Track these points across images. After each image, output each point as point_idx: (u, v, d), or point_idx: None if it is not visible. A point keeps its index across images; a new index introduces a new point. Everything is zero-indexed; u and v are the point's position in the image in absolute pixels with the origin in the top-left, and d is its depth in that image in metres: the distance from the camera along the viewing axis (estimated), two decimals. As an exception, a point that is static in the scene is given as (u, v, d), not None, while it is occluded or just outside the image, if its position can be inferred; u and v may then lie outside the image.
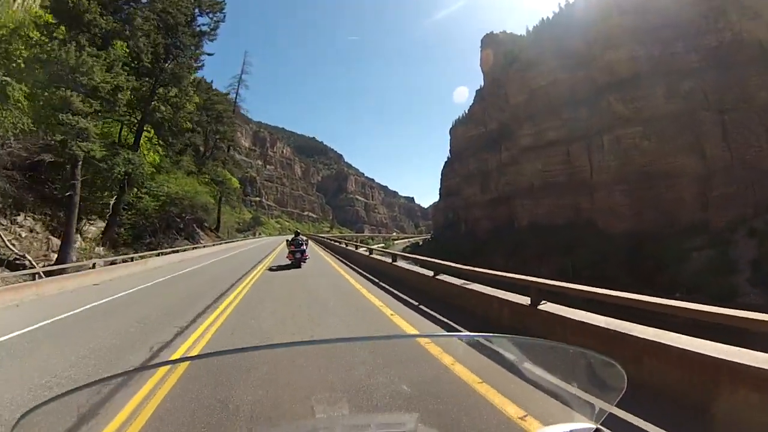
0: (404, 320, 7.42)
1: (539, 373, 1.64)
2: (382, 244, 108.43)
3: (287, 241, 20.29)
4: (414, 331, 6.67)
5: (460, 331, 6.60)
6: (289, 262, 18.73)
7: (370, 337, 3.79)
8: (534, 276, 6.66)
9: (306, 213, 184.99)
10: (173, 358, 5.48)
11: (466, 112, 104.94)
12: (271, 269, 18.09)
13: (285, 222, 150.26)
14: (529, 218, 58.93)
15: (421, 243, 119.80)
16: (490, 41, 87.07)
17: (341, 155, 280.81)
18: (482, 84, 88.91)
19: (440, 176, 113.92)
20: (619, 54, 50.55)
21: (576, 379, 1.42)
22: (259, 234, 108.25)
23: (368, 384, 1.94)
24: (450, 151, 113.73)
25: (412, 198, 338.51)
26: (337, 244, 33.64)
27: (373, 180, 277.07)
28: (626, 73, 49.15)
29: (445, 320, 7.39)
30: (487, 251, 57.15)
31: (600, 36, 52.72)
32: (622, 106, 48.96)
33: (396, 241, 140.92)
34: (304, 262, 18.66)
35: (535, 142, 60.75)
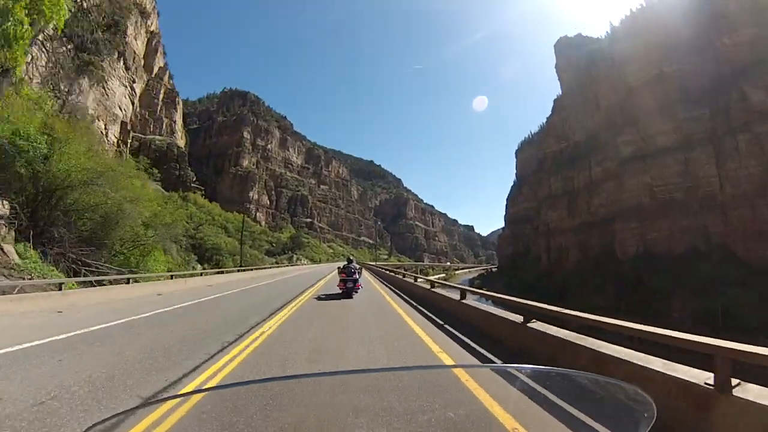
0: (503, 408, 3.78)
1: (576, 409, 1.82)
2: (443, 275, 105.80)
3: (338, 268, 20.00)
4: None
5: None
6: (340, 291, 18.54)
7: (406, 367, 3.05)
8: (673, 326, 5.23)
9: (362, 238, 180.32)
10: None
11: (532, 133, 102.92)
12: (319, 298, 17.83)
13: (338, 247, 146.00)
14: (637, 246, 47.55)
15: (485, 274, 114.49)
16: (565, 45, 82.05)
17: (400, 179, 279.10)
18: (560, 93, 79.59)
19: (505, 203, 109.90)
20: (741, 37, 43.88)
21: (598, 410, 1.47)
22: (298, 259, 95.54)
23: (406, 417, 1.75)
24: (516, 175, 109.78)
25: (472, 226, 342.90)
26: (392, 274, 31.67)
27: (432, 207, 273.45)
28: (754, 57, 42.04)
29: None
30: (580, 288, 49.62)
31: (715, 18, 45.97)
32: (764, 95, 37.80)
33: (457, 272, 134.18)
34: (356, 292, 18.55)
35: (639, 150, 52.77)
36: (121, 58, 70.87)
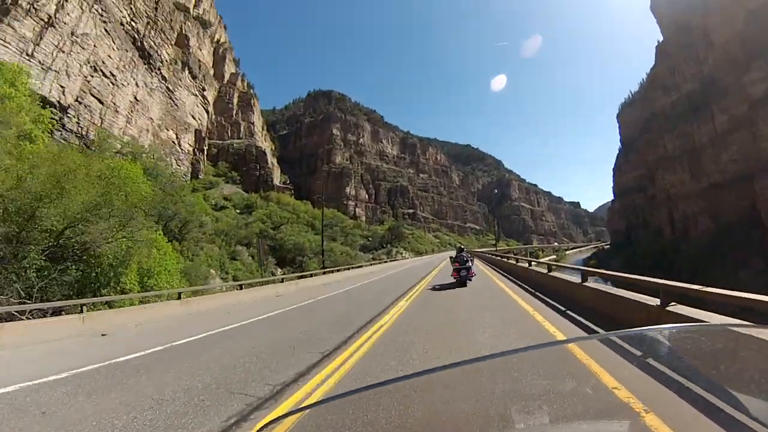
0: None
1: None
2: (553, 256, 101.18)
3: (450, 258, 20.55)
4: None
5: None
6: (454, 280, 18.83)
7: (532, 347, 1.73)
8: None
9: (468, 225, 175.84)
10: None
11: (632, 93, 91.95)
12: (434, 288, 18.16)
13: (444, 236, 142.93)
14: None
15: (598, 253, 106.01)
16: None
17: (500, 161, 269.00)
18: (660, 39, 71.16)
19: (612, 173, 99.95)
20: None
21: None
22: (397, 253, 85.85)
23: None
24: (621, 141, 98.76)
25: (578, 203, 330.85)
26: (503, 260, 31.11)
27: (536, 185, 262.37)
28: None
29: None
30: (718, 262, 42.45)
31: None
32: None
33: (567, 252, 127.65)
34: (470, 280, 18.63)
35: (776, 88, 41.10)
36: (185, 68, 72.49)
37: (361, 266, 47.17)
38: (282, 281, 26.28)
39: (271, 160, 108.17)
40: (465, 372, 1.49)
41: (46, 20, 39.97)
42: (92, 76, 44.75)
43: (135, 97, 53.36)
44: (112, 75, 48.37)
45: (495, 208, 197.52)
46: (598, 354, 3.66)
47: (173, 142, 66.39)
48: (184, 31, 75.83)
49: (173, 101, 67.15)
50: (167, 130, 65.03)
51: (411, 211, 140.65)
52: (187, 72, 73.16)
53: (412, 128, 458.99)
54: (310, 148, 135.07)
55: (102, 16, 46.80)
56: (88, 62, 44.20)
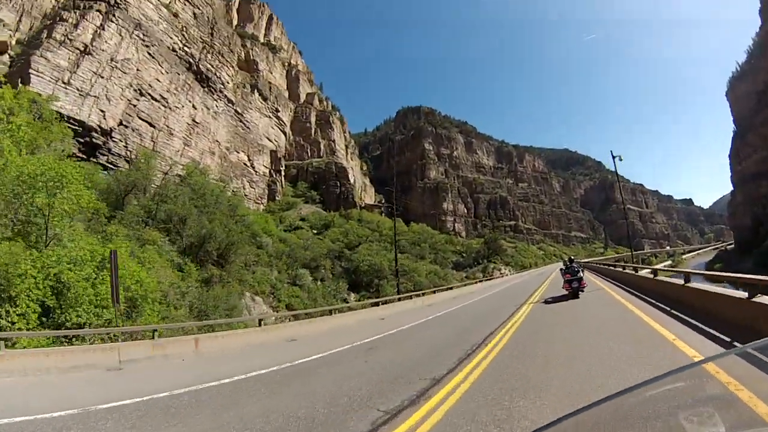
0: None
1: None
2: (668, 262, 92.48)
3: (561, 269, 20.83)
4: None
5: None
6: (566, 292, 18.75)
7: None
8: None
9: (573, 233, 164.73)
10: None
11: (739, 64, 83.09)
12: (546, 302, 18.37)
13: (548, 247, 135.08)
14: None
15: (721, 255, 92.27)
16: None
17: (600, 162, 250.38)
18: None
19: (729, 160, 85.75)
20: None
21: None
22: (494, 269, 76.33)
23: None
24: (734, 121, 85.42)
25: (690, 200, 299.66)
26: (613, 269, 29.97)
27: (641, 185, 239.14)
28: None
29: None
30: None
31: None
32: None
33: (684, 256, 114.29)
34: (582, 291, 18.42)
35: None
36: (254, 91, 73.16)
37: (451, 288, 40.72)
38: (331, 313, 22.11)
39: (362, 179, 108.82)
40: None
41: (82, 49, 41.04)
42: (137, 100, 44.62)
43: (193, 120, 53.22)
44: (163, 98, 48.31)
45: (599, 214, 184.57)
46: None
47: (245, 164, 65.52)
48: (252, 57, 78.62)
49: (243, 123, 68.02)
50: (237, 152, 64.92)
51: (512, 222, 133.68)
52: (257, 94, 73.85)
53: (506, 136, 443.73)
54: (403, 166, 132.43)
55: (144, 40, 46.97)
56: (131, 86, 43.96)
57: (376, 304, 26.23)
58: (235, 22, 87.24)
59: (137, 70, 45.46)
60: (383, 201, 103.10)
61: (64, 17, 41.10)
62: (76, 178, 16.21)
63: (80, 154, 34.35)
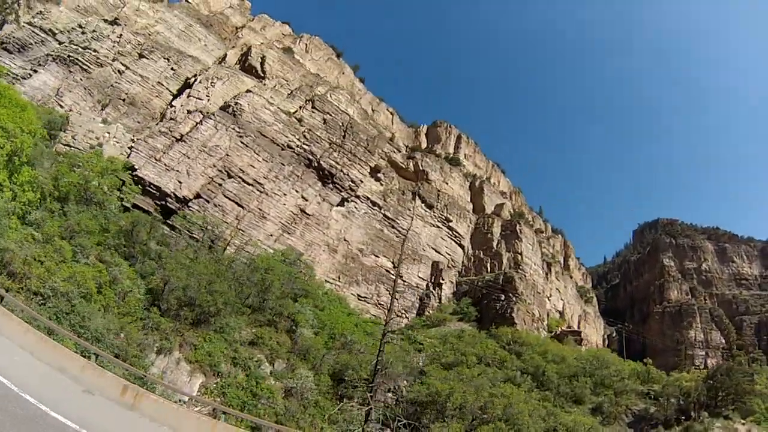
0: None
1: None
2: None
3: None
4: None
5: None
6: None
7: None
8: None
9: None
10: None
11: None
12: None
13: None
14: None
15: None
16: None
17: None
18: None
19: None
20: None
21: None
22: None
23: None
24: None
25: None
26: None
27: None
28: None
29: None
30: None
31: None
32: None
33: None
34: None
35: None
36: (416, 198, 72.07)
37: None
38: None
39: (580, 306, 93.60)
40: None
41: (177, 137, 47.09)
42: (223, 180, 48.07)
43: (302, 210, 54.27)
44: (258, 183, 50.85)
45: None
46: None
47: (387, 270, 60.65)
48: (421, 167, 79.55)
49: (396, 229, 67.09)
50: (377, 255, 63.21)
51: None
52: (418, 201, 72.66)
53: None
54: (641, 291, 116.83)
55: (237, 131, 51.47)
56: (214, 166, 47.88)
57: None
58: (423, 145, 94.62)
59: (226, 155, 49.35)
60: (614, 334, 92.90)
61: (173, 116, 49.33)
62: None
63: (155, 213, 40.46)
